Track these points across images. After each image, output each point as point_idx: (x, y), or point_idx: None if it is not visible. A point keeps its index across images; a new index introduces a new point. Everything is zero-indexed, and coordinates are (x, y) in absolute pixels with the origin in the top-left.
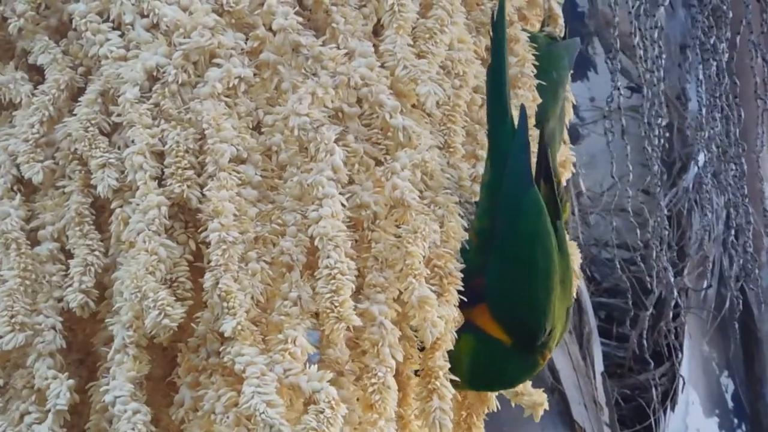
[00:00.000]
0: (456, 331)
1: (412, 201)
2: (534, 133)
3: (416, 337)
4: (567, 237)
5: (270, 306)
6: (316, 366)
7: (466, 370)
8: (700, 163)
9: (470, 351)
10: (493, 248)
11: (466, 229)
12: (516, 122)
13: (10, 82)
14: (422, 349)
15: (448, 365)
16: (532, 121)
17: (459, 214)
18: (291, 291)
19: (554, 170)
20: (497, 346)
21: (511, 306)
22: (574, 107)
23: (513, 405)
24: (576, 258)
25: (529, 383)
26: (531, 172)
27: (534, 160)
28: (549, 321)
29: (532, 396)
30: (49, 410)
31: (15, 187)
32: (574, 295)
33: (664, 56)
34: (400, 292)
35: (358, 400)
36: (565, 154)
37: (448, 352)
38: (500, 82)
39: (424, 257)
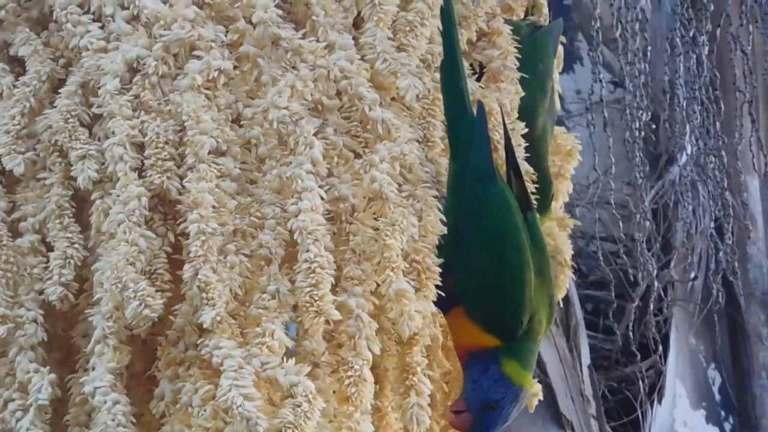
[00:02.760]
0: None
1: (391, 194)
2: (518, 127)
3: (393, 330)
4: (540, 227)
5: (248, 299)
6: (293, 360)
7: (533, 386)
8: (685, 157)
9: (521, 370)
10: (461, 245)
11: (444, 223)
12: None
13: None
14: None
15: (426, 361)
16: (515, 115)
17: (437, 209)
18: (269, 284)
19: (543, 161)
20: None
21: (484, 303)
22: (560, 99)
23: None
24: (567, 249)
25: None
26: (493, 167)
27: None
28: (524, 313)
29: None
30: (30, 404)
31: None
32: (565, 286)
33: (649, 49)
34: (378, 285)
35: (334, 392)
36: (570, 143)
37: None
38: (455, 75)
39: (402, 250)
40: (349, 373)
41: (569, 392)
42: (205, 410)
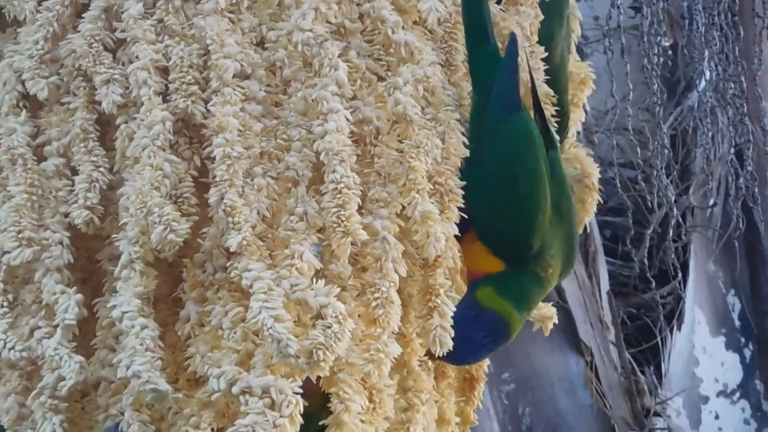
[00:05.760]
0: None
1: (415, 116)
2: (537, 51)
3: (418, 254)
4: (563, 165)
5: (276, 221)
6: (322, 281)
7: (514, 314)
8: (704, 82)
9: (496, 296)
10: (477, 170)
11: (466, 146)
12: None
13: None
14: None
15: (449, 282)
16: (535, 39)
17: (460, 132)
18: (297, 206)
19: (563, 94)
20: (503, 276)
21: (494, 224)
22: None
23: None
24: (594, 172)
25: None
26: (518, 97)
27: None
28: (534, 236)
29: (541, 310)
30: (57, 325)
31: (21, 104)
32: (593, 208)
33: None
34: (403, 207)
35: (359, 315)
36: (584, 71)
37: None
38: (476, 3)
39: (426, 172)
40: (376, 295)
41: (588, 318)
42: (235, 332)
